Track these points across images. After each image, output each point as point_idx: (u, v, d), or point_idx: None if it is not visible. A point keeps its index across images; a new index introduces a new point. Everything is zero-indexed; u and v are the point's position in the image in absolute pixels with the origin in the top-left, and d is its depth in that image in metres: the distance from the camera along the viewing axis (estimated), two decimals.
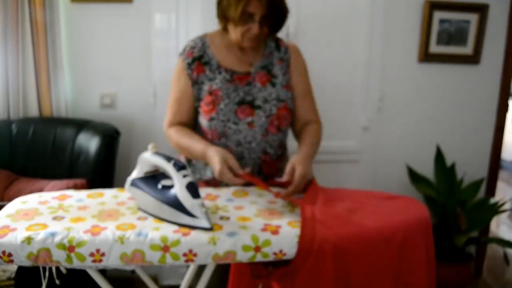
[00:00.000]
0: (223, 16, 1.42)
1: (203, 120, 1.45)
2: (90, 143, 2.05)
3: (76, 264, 1.04)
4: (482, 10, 2.32)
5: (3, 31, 2.11)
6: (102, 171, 2.06)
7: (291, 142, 1.58)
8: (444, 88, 2.43)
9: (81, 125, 2.14)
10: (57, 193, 1.34)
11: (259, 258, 1.07)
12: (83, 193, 1.34)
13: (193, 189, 1.12)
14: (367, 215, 1.20)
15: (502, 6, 2.35)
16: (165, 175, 1.24)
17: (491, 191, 2.57)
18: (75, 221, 1.13)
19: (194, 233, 1.08)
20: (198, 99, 1.46)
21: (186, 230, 1.09)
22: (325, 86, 1.71)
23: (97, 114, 2.29)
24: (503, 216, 3.52)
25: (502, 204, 2.34)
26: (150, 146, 1.25)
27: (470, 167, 2.49)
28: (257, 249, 1.07)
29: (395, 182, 2.47)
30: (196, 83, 1.45)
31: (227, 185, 1.45)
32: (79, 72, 2.28)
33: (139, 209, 1.22)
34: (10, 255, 1.03)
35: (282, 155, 1.55)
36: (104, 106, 2.31)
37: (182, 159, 1.57)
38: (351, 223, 1.14)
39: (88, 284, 1.39)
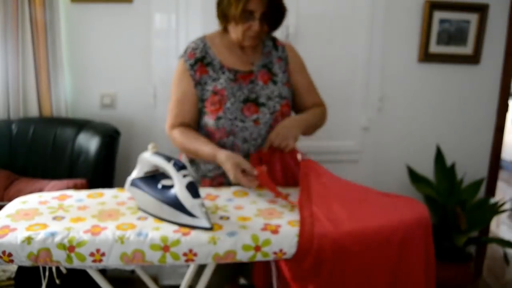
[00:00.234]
0: (223, 16, 1.44)
1: (209, 120, 1.46)
2: (90, 143, 2.05)
3: (76, 264, 1.04)
4: (482, 10, 2.32)
5: (3, 31, 2.11)
6: (102, 171, 2.06)
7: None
8: (444, 88, 2.43)
9: (81, 125, 2.14)
10: (57, 193, 1.34)
11: (259, 257, 1.07)
12: (83, 193, 1.34)
13: (193, 189, 1.12)
14: (366, 214, 1.20)
15: (502, 6, 2.35)
16: (165, 175, 1.24)
17: (491, 191, 2.57)
18: (75, 221, 1.13)
19: (194, 233, 1.08)
20: (201, 99, 1.47)
21: (186, 230, 1.09)
22: (325, 86, 1.71)
23: (97, 114, 2.29)
24: (503, 216, 3.52)
25: (502, 204, 2.34)
26: (150, 146, 1.25)
27: (470, 167, 2.49)
28: (257, 248, 1.07)
29: (395, 182, 2.47)
30: (199, 84, 1.46)
31: (230, 183, 1.46)
32: (79, 72, 2.28)
33: (139, 209, 1.22)
34: (10, 255, 1.03)
35: None
36: (104, 106, 2.31)
37: (184, 158, 1.58)
38: (351, 222, 1.14)
39: (88, 284, 1.38)
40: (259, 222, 1.15)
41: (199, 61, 1.47)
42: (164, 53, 2.22)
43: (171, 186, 1.17)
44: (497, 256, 2.77)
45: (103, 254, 1.03)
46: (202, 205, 1.12)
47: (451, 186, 2.34)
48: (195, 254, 1.05)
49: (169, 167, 1.15)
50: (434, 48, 2.35)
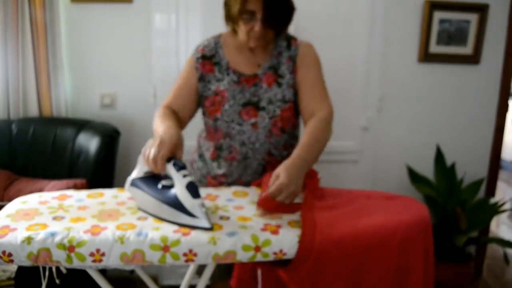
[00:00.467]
0: (229, 17, 1.41)
1: (208, 120, 1.46)
2: (90, 143, 2.05)
3: (76, 264, 1.04)
4: (482, 10, 2.32)
5: (3, 31, 2.11)
6: (102, 171, 2.06)
7: None
8: (444, 88, 2.43)
9: (81, 125, 2.14)
10: (57, 193, 1.34)
11: (259, 258, 1.07)
12: (83, 193, 1.34)
13: (193, 189, 1.12)
14: (366, 215, 1.20)
15: (502, 6, 2.35)
16: (165, 175, 1.24)
17: (491, 191, 2.57)
18: (75, 221, 1.13)
19: (194, 233, 1.08)
20: (202, 95, 1.46)
21: (186, 230, 1.09)
22: None
23: (97, 114, 2.29)
24: (503, 216, 3.53)
25: (502, 204, 2.34)
26: (148, 144, 1.25)
27: (470, 167, 2.49)
28: (257, 248, 1.07)
29: (395, 182, 2.47)
30: (202, 79, 1.45)
31: (233, 181, 1.46)
32: (79, 72, 2.28)
33: (139, 209, 1.22)
34: (10, 255, 1.03)
35: (288, 156, 1.54)
36: (104, 106, 2.31)
37: (196, 156, 1.58)
38: (351, 224, 1.14)
39: (88, 284, 1.39)
40: (259, 222, 1.15)
41: (207, 59, 1.46)
42: (164, 53, 2.22)
43: (171, 186, 1.17)
44: (497, 256, 2.77)
45: (103, 254, 1.03)
46: (202, 205, 1.12)
47: (451, 186, 2.34)
48: (195, 254, 1.05)
49: (169, 167, 1.15)
50: (434, 48, 2.35)
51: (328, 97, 1.45)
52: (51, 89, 2.19)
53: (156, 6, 2.19)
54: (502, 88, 2.46)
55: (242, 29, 1.37)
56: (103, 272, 1.81)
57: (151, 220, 1.15)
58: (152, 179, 1.24)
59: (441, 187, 2.36)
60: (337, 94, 1.99)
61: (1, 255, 1.03)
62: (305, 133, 1.36)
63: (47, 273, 1.29)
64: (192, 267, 1.42)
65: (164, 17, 2.21)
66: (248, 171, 1.47)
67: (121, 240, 1.04)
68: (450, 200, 2.29)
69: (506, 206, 2.46)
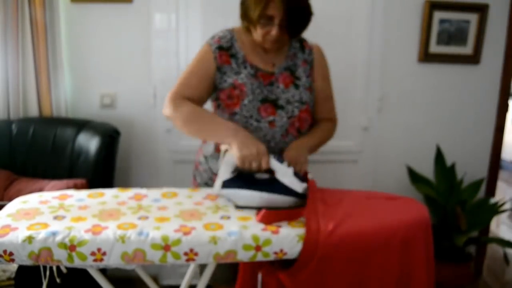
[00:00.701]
0: (245, 16, 1.40)
1: (223, 114, 1.43)
2: (90, 143, 2.05)
3: (77, 263, 1.04)
4: (482, 10, 2.32)
5: (3, 31, 2.11)
6: (102, 171, 2.06)
7: None
8: (444, 88, 2.43)
9: (81, 125, 2.14)
10: (57, 193, 1.34)
11: (259, 257, 1.07)
12: (83, 193, 1.34)
13: (298, 176, 1.27)
14: (367, 216, 1.20)
15: (502, 6, 2.35)
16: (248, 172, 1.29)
17: (491, 191, 2.57)
18: (76, 221, 1.13)
19: (194, 232, 1.08)
20: (216, 87, 1.44)
21: (187, 229, 1.09)
22: None
23: (97, 114, 2.29)
24: (503, 216, 3.53)
25: (502, 204, 2.34)
26: (223, 149, 1.30)
27: (470, 167, 2.50)
28: (258, 248, 1.07)
29: (395, 182, 2.47)
30: (219, 70, 1.42)
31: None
32: (79, 72, 2.28)
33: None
34: (11, 254, 1.03)
35: None
36: (104, 106, 2.31)
37: (210, 148, 1.52)
38: (352, 225, 1.14)
39: (88, 284, 1.39)
40: None
41: (224, 50, 1.43)
42: (164, 53, 2.22)
43: (267, 179, 1.28)
44: (497, 256, 2.77)
45: (104, 254, 1.04)
46: (307, 187, 1.25)
47: (451, 186, 2.34)
48: (196, 254, 1.05)
49: (273, 163, 1.25)
50: (434, 48, 2.35)
51: (335, 107, 1.61)
52: (51, 89, 2.19)
53: (156, 6, 2.19)
54: (502, 88, 2.46)
55: (258, 32, 1.37)
56: (104, 271, 1.81)
57: (152, 219, 1.15)
58: (243, 177, 1.29)
59: (441, 187, 2.36)
60: (337, 94, 1.98)
61: (2, 254, 1.03)
62: (314, 127, 1.53)
63: (47, 272, 1.29)
64: (192, 267, 1.42)
65: (164, 17, 2.21)
66: None
67: (122, 239, 1.04)
68: (450, 200, 2.29)
69: (506, 206, 2.46)
